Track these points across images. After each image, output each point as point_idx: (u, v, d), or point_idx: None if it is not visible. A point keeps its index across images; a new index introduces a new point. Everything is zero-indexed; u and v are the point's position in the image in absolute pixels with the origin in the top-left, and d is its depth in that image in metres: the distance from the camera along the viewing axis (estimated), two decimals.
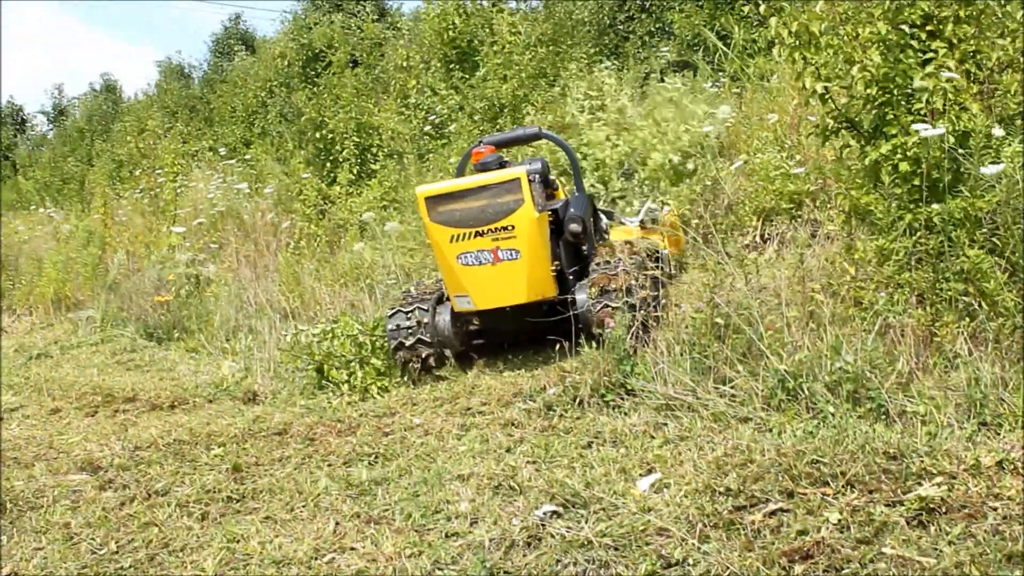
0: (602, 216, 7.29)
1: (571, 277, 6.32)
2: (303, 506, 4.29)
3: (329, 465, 4.84)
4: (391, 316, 6.45)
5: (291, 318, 7.94)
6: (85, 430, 6.22)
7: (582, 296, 6.00)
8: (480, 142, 6.74)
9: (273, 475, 4.80)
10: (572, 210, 6.38)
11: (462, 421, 5.28)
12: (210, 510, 4.39)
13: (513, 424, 5.06)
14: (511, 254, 6.06)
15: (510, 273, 6.12)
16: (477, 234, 6.06)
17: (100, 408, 6.79)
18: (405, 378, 6.41)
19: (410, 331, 6.36)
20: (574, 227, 6.30)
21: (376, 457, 4.87)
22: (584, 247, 6.55)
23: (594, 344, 5.34)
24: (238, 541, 3.95)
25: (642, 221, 7.58)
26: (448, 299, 6.49)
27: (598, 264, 6.20)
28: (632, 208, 8.44)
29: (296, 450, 5.17)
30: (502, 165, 6.34)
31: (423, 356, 6.40)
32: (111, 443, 5.72)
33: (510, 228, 6.01)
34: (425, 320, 6.35)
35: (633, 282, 5.83)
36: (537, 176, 6.19)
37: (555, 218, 6.34)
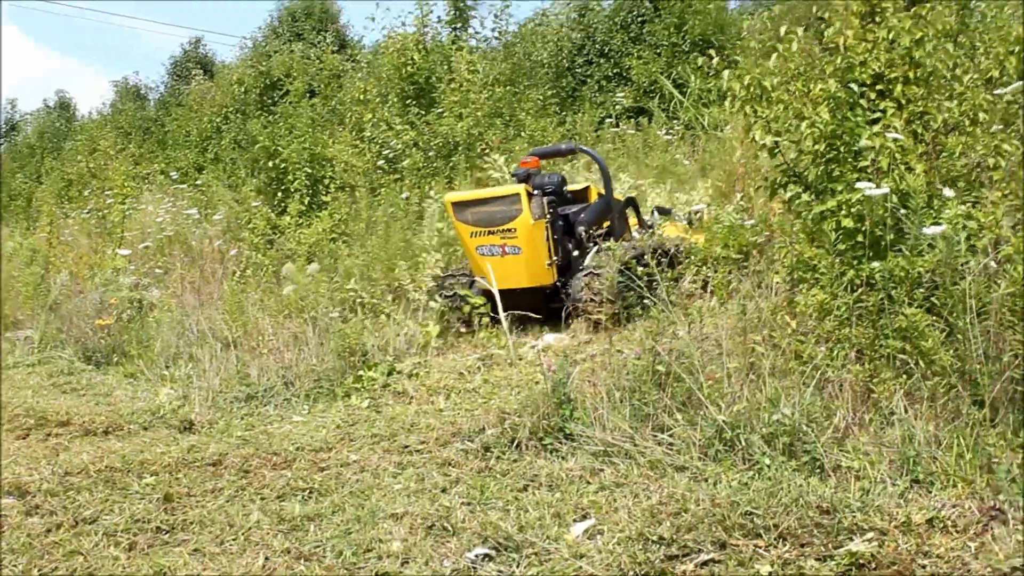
0: (654, 213, 9.12)
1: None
2: (233, 540, 4.21)
3: (262, 498, 4.77)
4: (442, 283, 8.40)
5: (233, 347, 7.85)
6: (15, 453, 6.09)
7: (575, 283, 7.72)
8: (532, 151, 8.85)
9: (205, 507, 4.72)
10: (583, 216, 8.27)
11: (399, 459, 5.23)
12: (138, 540, 4.30)
13: (450, 464, 5.02)
14: (514, 250, 7.81)
15: (514, 264, 7.85)
16: (490, 232, 7.85)
17: (32, 431, 6.64)
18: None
19: (455, 295, 8.12)
20: (580, 230, 8.17)
21: (310, 492, 4.81)
22: (590, 244, 8.01)
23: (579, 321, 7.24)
24: (165, 573, 3.88)
25: (689, 219, 8.74)
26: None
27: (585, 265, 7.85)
28: None
29: (229, 482, 5.09)
30: (525, 179, 7.99)
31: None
32: (41, 467, 5.59)
33: (512, 230, 7.76)
34: (461, 292, 8.04)
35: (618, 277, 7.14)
36: (551, 188, 8.11)
37: (566, 221, 8.20)
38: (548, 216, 7.93)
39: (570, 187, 8.84)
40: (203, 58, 30.44)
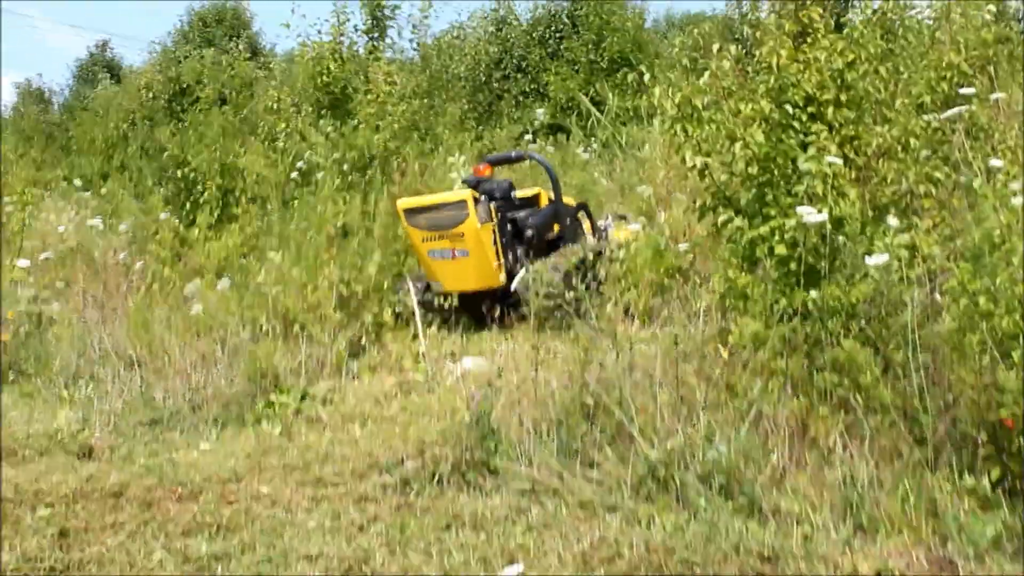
0: (607, 217, 9.39)
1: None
2: None
3: (166, 535, 4.47)
4: (398, 287, 8.47)
5: (137, 367, 7.50)
6: None
7: (513, 283, 8.13)
8: (484, 159, 9.39)
9: (104, 543, 4.40)
10: (531, 220, 8.62)
11: (313, 492, 4.95)
12: None
13: (367, 499, 4.76)
14: (463, 253, 8.11)
15: (463, 267, 8.17)
16: (440, 236, 8.13)
17: None
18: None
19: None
20: (528, 233, 8.53)
21: (218, 529, 4.52)
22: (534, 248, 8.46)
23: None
24: None
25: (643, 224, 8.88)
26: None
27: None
28: None
29: (131, 515, 4.76)
30: (475, 186, 8.44)
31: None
32: None
33: (461, 234, 8.05)
34: (417, 296, 8.02)
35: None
36: (499, 193, 8.53)
37: (515, 225, 8.55)
38: (496, 220, 8.33)
39: (520, 193, 9.13)
40: (110, 62, 29.74)
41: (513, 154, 9.93)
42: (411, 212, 8.36)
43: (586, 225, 9.36)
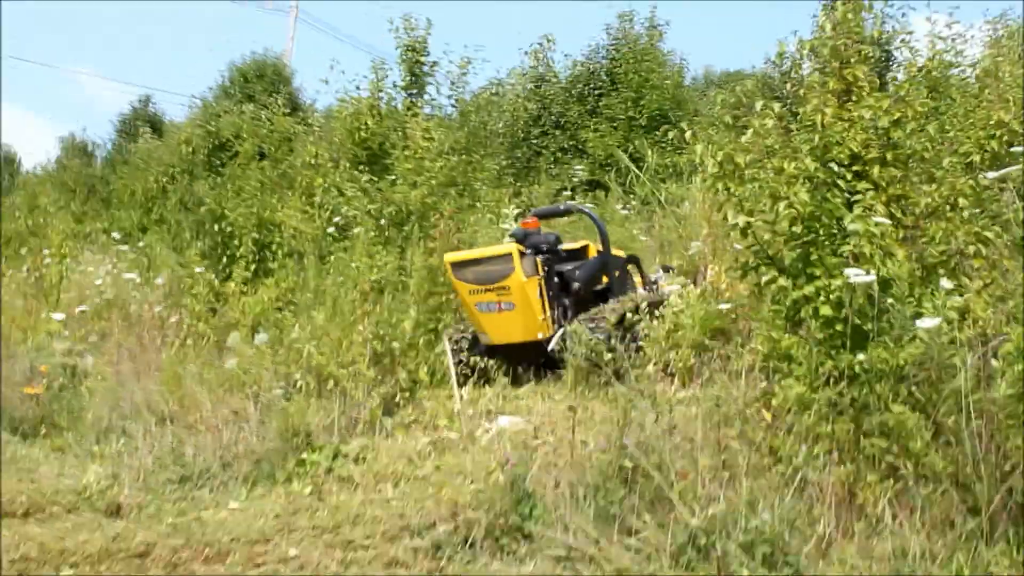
0: (659, 271, 9.69)
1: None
2: None
3: None
4: (449, 338, 8.49)
5: (168, 422, 7.41)
6: None
7: (551, 344, 8.05)
8: (532, 212, 9.47)
9: None
10: (578, 273, 8.62)
11: (342, 556, 4.82)
12: None
13: (398, 563, 4.64)
14: (508, 305, 8.16)
15: (509, 319, 8.22)
16: (487, 289, 8.19)
17: None
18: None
19: (459, 351, 8.41)
20: (575, 286, 8.53)
21: None
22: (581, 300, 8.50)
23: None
24: None
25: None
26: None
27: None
28: None
29: None
30: (522, 239, 8.51)
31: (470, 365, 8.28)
32: None
33: (506, 288, 8.11)
34: (465, 346, 8.48)
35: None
36: (545, 247, 8.53)
37: (561, 278, 8.56)
38: (542, 273, 8.35)
39: (568, 245, 9.12)
40: (152, 116, 29.98)
41: (561, 207, 10.19)
42: (458, 266, 8.43)
43: (636, 278, 9.37)
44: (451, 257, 8.61)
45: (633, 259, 9.54)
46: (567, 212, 10.12)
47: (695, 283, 8.30)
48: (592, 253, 9.18)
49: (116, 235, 16.45)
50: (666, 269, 9.57)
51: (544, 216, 9.42)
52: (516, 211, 11.33)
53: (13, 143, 47.79)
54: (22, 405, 8.74)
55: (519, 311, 8.21)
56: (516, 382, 8.31)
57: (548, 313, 8.33)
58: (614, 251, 9.09)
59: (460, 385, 7.87)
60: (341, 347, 7.93)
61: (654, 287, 9.01)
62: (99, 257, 13.87)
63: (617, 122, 17.39)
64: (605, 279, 8.88)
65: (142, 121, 28.67)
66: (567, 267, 8.74)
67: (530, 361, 8.43)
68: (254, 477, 6.46)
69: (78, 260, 13.86)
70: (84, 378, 9.16)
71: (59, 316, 10.84)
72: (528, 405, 7.60)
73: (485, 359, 8.30)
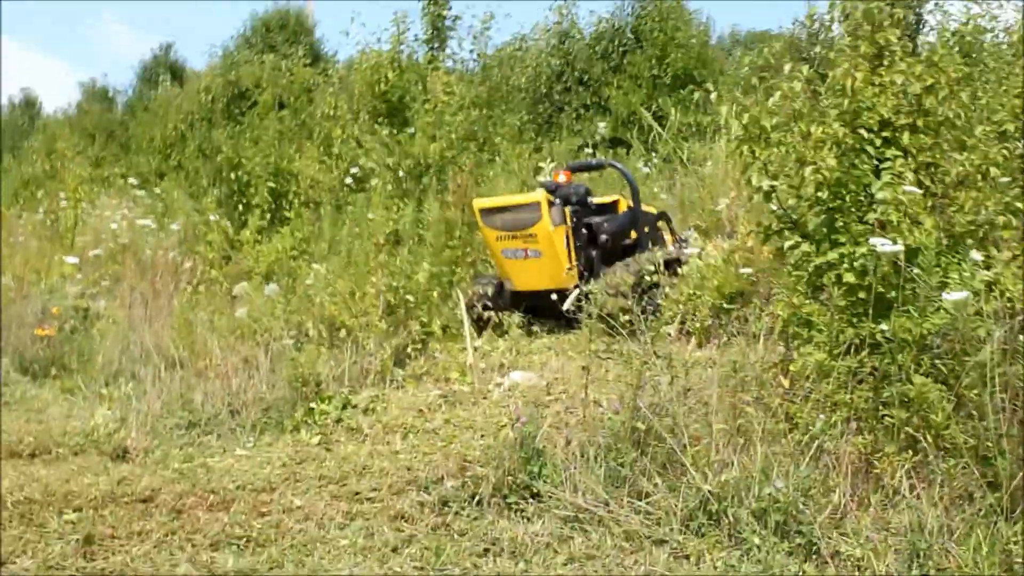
0: (690, 228, 9.58)
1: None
2: None
3: (193, 546, 4.31)
4: (474, 285, 8.73)
5: (178, 368, 7.35)
6: None
7: (565, 304, 8.02)
8: (566, 165, 9.59)
9: (129, 552, 4.25)
10: (606, 226, 8.72)
11: (348, 507, 4.76)
12: None
13: (403, 518, 4.57)
14: (535, 253, 8.35)
15: (535, 267, 8.41)
16: (513, 236, 8.40)
17: None
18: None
19: (485, 296, 8.51)
20: (603, 238, 8.65)
21: (247, 541, 4.35)
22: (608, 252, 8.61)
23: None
24: None
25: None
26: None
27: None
28: None
29: (159, 523, 4.61)
30: (553, 190, 8.55)
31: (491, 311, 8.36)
32: None
33: (534, 235, 8.30)
34: (490, 292, 8.55)
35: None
36: (575, 198, 8.59)
37: (590, 230, 8.67)
38: (570, 224, 8.46)
39: (599, 199, 9.23)
40: (173, 64, 29.81)
41: (594, 162, 10.61)
42: (487, 212, 8.62)
43: (667, 236, 9.40)
44: (480, 203, 8.79)
45: (664, 216, 9.54)
46: (600, 167, 10.36)
47: (723, 241, 8.24)
48: (622, 208, 9.24)
49: (134, 180, 16.37)
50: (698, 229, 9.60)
51: (577, 170, 9.64)
52: (551, 164, 11.23)
53: (34, 87, 47.75)
54: (33, 346, 8.72)
55: (545, 259, 8.34)
56: (531, 335, 8.38)
57: (574, 263, 8.41)
58: (645, 207, 9.14)
59: (473, 339, 7.80)
60: (354, 297, 7.86)
61: (684, 244, 9.01)
62: (115, 202, 13.77)
63: (641, 80, 17.15)
64: (634, 234, 8.93)
65: (163, 68, 28.51)
66: (596, 219, 8.82)
67: (553, 314, 8.46)
68: (262, 425, 6.42)
69: (94, 204, 13.77)
70: (96, 321, 9.13)
71: (73, 259, 10.80)
72: (542, 360, 7.54)
73: (499, 314, 8.33)
